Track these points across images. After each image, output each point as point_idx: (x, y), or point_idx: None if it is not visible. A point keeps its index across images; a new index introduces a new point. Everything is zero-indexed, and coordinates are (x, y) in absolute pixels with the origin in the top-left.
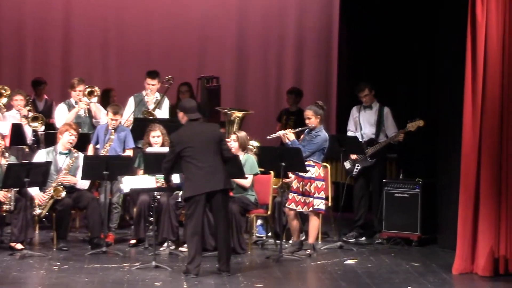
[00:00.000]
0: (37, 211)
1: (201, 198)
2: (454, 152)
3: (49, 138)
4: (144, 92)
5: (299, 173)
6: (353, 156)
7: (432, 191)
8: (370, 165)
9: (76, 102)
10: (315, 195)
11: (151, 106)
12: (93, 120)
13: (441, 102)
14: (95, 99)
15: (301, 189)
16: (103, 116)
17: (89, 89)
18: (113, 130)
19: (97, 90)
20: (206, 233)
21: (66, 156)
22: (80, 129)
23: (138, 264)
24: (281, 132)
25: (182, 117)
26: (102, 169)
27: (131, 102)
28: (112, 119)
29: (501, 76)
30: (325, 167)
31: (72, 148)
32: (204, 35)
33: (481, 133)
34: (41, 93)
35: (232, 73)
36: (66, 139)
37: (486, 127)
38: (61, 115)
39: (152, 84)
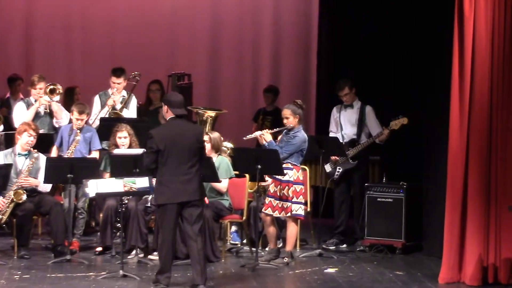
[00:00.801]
0: None
1: (175, 206)
2: (440, 153)
3: (9, 139)
4: (110, 91)
5: (276, 176)
6: (334, 158)
7: (417, 195)
8: (351, 167)
9: (36, 101)
10: (293, 200)
11: (118, 106)
12: (54, 121)
13: (426, 99)
14: (57, 98)
15: (278, 194)
16: (64, 116)
17: (50, 87)
18: (78, 131)
19: (60, 88)
20: (177, 241)
21: (26, 158)
22: (41, 130)
23: (104, 273)
24: (257, 133)
25: (166, 111)
26: (66, 172)
27: (97, 101)
28: (77, 119)
29: (489, 72)
30: (304, 170)
31: (31, 149)
32: (175, 30)
33: (469, 132)
34: (16, 90)
35: (204, 70)
36: (25, 140)
37: (474, 126)
38: (19, 114)
39: (118, 83)
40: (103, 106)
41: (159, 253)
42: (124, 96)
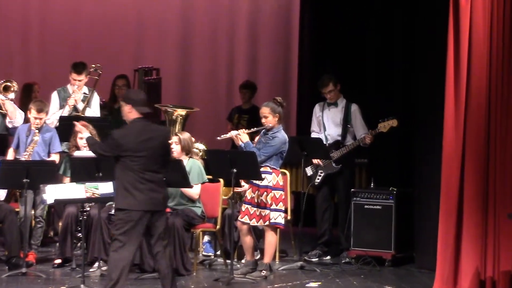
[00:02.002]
0: None
1: (138, 214)
2: (433, 156)
3: None
4: (69, 87)
5: (254, 181)
6: (316, 161)
7: (408, 202)
8: (335, 171)
9: None
10: (272, 207)
11: (80, 105)
12: (7, 121)
13: (418, 98)
14: (12, 95)
15: (255, 200)
16: (19, 116)
17: (4, 84)
18: (36, 131)
19: (15, 86)
20: (144, 252)
21: None
22: None
23: (64, 287)
24: (232, 133)
25: (129, 111)
26: (22, 177)
27: (55, 98)
28: (35, 118)
29: (488, 67)
30: (284, 174)
31: None
32: (142, 19)
33: (465, 133)
34: None
35: (174, 64)
36: None
37: (471, 125)
38: None
39: (79, 80)
40: (62, 105)
41: (110, 266)
42: (86, 94)
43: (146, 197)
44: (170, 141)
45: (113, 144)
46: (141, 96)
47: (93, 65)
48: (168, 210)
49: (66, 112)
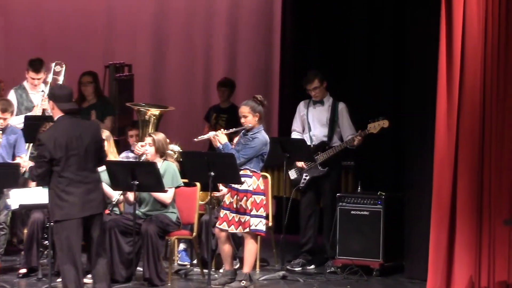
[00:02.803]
0: None
1: (77, 222)
2: (424, 158)
3: None
4: (26, 85)
5: (233, 185)
6: (300, 164)
7: (397, 208)
8: (321, 175)
9: None
10: (252, 213)
11: (40, 104)
12: None
13: (409, 97)
14: None
15: (234, 205)
16: None
17: None
18: (0, 132)
19: None
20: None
21: None
22: None
23: None
24: (210, 134)
25: (52, 108)
26: None
27: (12, 97)
28: None
29: (482, 64)
30: (265, 177)
31: None
32: (112, 13)
33: (458, 134)
34: None
35: (148, 60)
36: None
37: (464, 126)
38: None
39: (38, 78)
40: (20, 102)
41: (64, 278)
42: (44, 91)
43: (82, 202)
44: (101, 134)
45: (43, 149)
46: (64, 91)
47: (53, 64)
48: (107, 211)
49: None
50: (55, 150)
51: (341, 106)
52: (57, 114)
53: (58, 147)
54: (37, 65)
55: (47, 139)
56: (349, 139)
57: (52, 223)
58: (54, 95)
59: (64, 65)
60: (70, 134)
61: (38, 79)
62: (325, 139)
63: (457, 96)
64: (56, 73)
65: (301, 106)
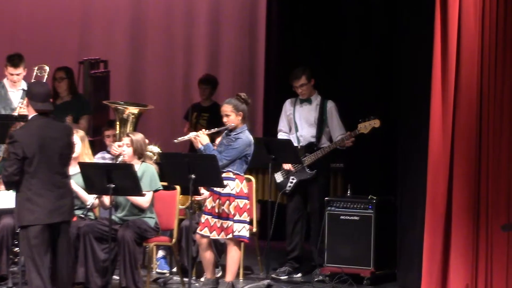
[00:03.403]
0: None
1: (46, 228)
2: (418, 161)
3: None
4: (6, 82)
5: (215, 189)
6: (286, 166)
7: (389, 213)
8: (308, 178)
9: None
10: (235, 218)
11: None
12: None
13: (401, 95)
14: None
15: (216, 210)
16: None
17: None
18: None
19: None
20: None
21: None
22: None
23: None
24: (191, 134)
25: (26, 105)
26: None
27: None
28: None
29: (479, 59)
30: (249, 180)
31: None
32: (87, 6)
33: (454, 134)
34: None
35: (124, 56)
36: None
37: (460, 126)
38: None
39: (17, 74)
40: None
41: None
42: (24, 89)
43: (53, 207)
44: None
45: (17, 146)
46: (41, 90)
47: (39, 66)
48: (74, 219)
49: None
50: (28, 148)
51: (330, 104)
52: (32, 113)
53: (32, 145)
54: (15, 59)
55: (21, 136)
56: (339, 139)
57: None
58: (31, 93)
59: (47, 69)
60: (45, 134)
61: (17, 74)
62: (313, 140)
63: (452, 94)
64: (39, 78)
65: (287, 105)
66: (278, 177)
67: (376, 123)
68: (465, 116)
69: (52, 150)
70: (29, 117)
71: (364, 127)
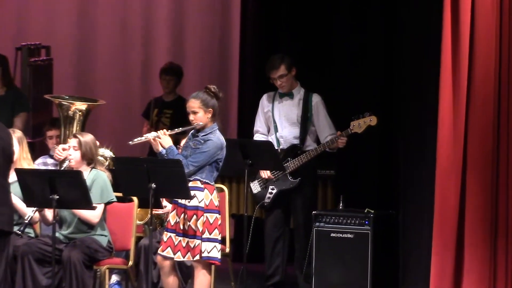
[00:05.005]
0: None
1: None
2: (423, 167)
3: None
4: None
5: (179, 201)
6: (264, 174)
7: (389, 229)
8: (291, 187)
9: None
10: (204, 236)
11: None
12: None
13: (403, 88)
14: None
15: (181, 226)
16: None
17: None
18: None
19: None
20: None
21: None
22: None
23: None
24: (150, 135)
25: None
26: None
27: None
28: None
29: (497, 49)
30: (221, 190)
31: None
32: None
33: (466, 137)
34: None
35: (70, 41)
36: None
37: (474, 128)
38: None
39: None
40: None
41: None
42: None
43: (11, 215)
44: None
45: None
46: None
47: None
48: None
49: None
50: None
51: (316, 99)
52: None
53: None
54: None
55: None
56: (328, 141)
57: None
58: None
59: None
60: None
61: None
62: (297, 141)
63: (465, 90)
64: None
65: (265, 101)
66: (255, 187)
67: (372, 120)
68: (480, 116)
69: (4, 154)
70: None
71: (358, 125)
